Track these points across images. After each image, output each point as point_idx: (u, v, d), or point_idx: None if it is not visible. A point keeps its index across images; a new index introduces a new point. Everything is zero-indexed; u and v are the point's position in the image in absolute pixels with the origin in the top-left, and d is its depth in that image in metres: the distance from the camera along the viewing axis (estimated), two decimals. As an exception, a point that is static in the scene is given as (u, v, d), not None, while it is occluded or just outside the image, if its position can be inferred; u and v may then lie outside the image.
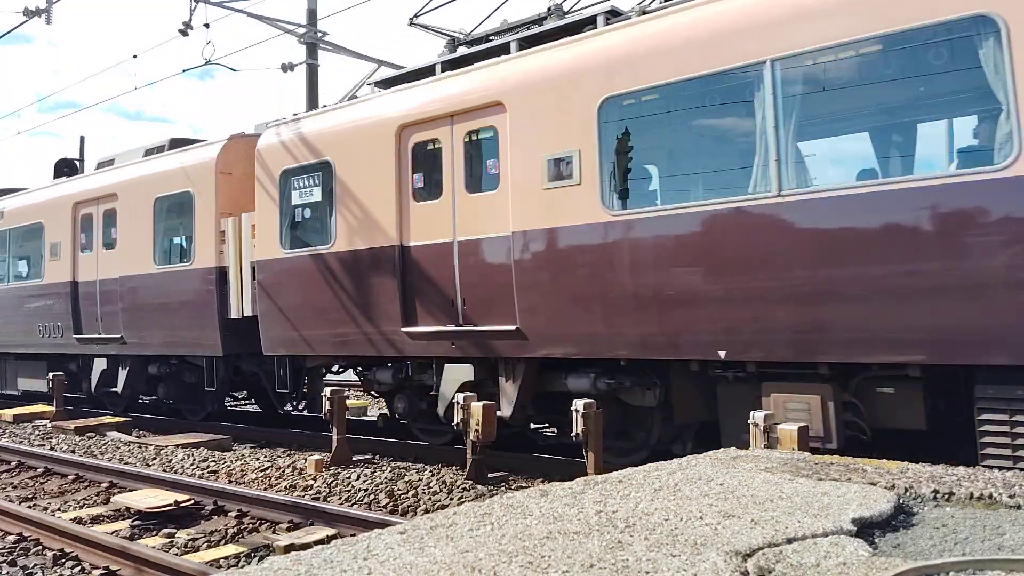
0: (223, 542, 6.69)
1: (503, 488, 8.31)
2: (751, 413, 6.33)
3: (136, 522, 7.29)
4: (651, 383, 7.83)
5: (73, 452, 11.12)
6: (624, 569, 2.38)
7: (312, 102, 16.89)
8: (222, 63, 31.94)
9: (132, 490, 8.33)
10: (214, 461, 10.19)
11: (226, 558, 6.21)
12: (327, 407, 9.74)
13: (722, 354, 6.91)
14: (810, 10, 6.53)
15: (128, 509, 7.58)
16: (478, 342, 8.65)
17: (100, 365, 14.52)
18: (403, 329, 9.21)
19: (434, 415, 9.42)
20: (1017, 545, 2.71)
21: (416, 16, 10.78)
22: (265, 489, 8.41)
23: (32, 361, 16.41)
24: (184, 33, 15.49)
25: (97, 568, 6.06)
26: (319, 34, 17.29)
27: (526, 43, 8.93)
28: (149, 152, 13.75)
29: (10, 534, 7.09)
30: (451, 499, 7.78)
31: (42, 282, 15.53)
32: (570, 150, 7.80)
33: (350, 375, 12.20)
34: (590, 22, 8.48)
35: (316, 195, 10.40)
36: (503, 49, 9.11)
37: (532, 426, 10.15)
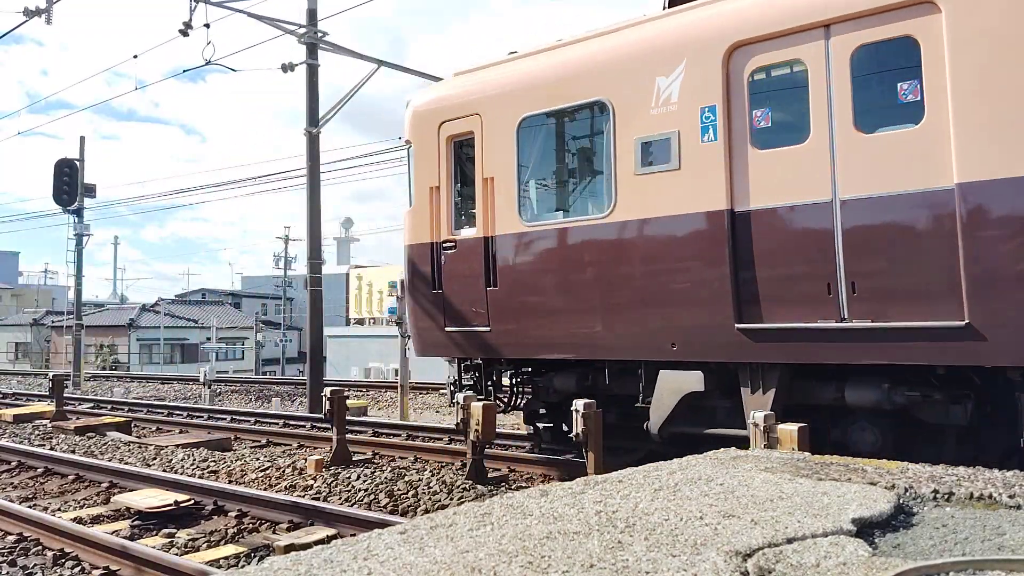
0: (223, 542, 6.70)
1: (503, 488, 8.31)
2: (751, 413, 6.30)
3: (136, 522, 7.30)
4: None
5: (73, 452, 11.13)
6: (624, 569, 2.37)
7: (312, 102, 16.99)
8: (222, 63, 31.93)
9: (132, 490, 8.34)
10: (214, 461, 10.20)
11: (226, 558, 6.22)
12: (327, 407, 9.74)
13: None
14: None
15: (128, 509, 7.58)
16: None
17: (690, 383, 7.23)
18: None
19: None
20: (1017, 545, 2.71)
21: None
22: (265, 489, 8.41)
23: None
24: (184, 33, 15.55)
25: (97, 568, 6.06)
26: (319, 34, 17.33)
27: None
28: None
29: (10, 534, 7.09)
30: (451, 499, 7.79)
31: (609, 220, 7.59)
32: None
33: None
34: None
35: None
36: None
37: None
